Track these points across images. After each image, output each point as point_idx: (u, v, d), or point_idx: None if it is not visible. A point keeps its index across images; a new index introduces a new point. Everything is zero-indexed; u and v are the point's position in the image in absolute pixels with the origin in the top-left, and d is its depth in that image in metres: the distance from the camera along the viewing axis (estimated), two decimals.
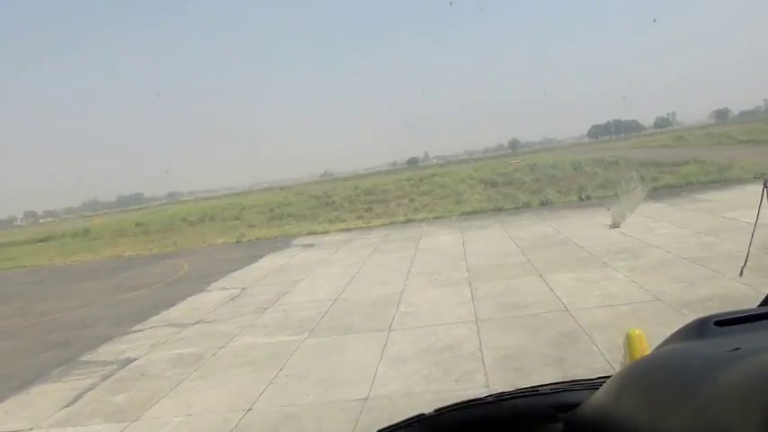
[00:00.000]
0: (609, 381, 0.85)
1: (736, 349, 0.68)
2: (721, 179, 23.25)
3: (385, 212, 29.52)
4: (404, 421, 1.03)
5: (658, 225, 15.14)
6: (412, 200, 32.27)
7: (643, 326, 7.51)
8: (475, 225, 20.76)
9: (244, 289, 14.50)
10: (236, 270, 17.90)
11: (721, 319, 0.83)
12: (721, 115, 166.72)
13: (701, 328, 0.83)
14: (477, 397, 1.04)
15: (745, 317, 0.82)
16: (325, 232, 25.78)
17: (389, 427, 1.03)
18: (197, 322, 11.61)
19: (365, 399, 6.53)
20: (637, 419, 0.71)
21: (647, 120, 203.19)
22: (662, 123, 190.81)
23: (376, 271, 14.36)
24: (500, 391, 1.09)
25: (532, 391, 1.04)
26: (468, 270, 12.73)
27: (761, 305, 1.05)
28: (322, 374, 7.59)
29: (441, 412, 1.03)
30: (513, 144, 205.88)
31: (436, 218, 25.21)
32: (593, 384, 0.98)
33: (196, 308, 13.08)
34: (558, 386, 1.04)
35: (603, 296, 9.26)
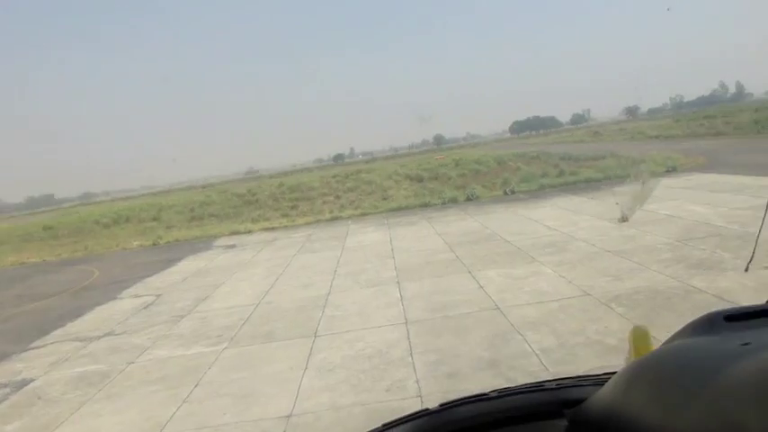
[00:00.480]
0: (615, 376, 0.84)
1: (747, 344, 0.67)
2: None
3: (310, 210, 28.84)
4: (409, 415, 1.02)
5: (580, 218, 15.40)
6: (338, 197, 31.66)
7: (575, 322, 7.41)
8: (402, 221, 20.53)
9: (159, 296, 13.55)
10: (151, 275, 16.79)
11: (731, 314, 0.83)
12: (632, 112, 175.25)
13: (710, 324, 0.83)
14: (482, 392, 1.04)
15: (755, 312, 0.82)
16: (249, 232, 24.91)
17: (394, 421, 1.02)
18: (105, 335, 10.66)
19: (288, 416, 6.01)
20: (646, 414, 0.69)
21: (564, 116, 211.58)
22: (578, 120, 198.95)
23: (301, 272, 13.79)
24: (504, 386, 1.06)
25: (537, 387, 1.04)
26: (397, 269, 12.39)
27: None
28: (241, 389, 7.00)
29: (445, 407, 1.02)
30: (438, 140, 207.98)
31: (363, 215, 24.85)
32: (598, 380, 0.98)
33: (105, 318, 12.05)
34: (563, 382, 1.04)
35: (533, 292, 9.13)
